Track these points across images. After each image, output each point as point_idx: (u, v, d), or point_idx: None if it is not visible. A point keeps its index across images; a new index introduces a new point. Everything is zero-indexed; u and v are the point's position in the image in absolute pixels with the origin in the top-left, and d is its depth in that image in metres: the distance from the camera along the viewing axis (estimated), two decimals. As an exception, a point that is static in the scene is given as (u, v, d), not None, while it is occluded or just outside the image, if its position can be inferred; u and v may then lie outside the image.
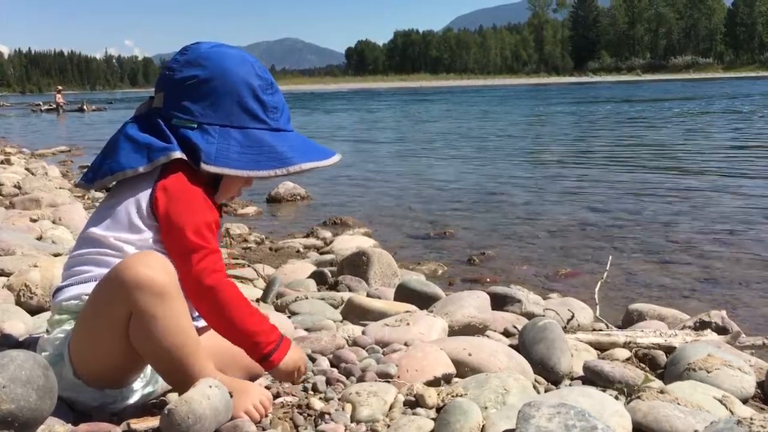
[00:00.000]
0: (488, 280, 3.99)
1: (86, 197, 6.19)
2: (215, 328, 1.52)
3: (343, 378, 1.75)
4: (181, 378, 1.41)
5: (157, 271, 1.37)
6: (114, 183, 1.57)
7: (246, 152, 1.56)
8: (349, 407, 1.56)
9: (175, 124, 1.54)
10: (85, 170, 1.63)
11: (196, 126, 1.54)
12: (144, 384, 1.53)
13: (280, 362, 1.51)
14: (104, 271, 1.44)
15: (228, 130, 1.56)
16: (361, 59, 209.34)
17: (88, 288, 1.45)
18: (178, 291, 1.40)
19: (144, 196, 1.50)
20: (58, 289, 1.52)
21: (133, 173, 1.50)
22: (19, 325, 2.02)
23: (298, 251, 4.55)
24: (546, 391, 1.87)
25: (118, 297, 1.36)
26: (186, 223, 1.46)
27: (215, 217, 1.53)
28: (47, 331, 1.53)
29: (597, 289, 3.17)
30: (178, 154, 1.50)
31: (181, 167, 1.51)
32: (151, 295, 1.35)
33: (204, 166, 1.52)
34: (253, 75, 1.60)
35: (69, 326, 1.47)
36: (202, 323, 1.59)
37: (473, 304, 2.62)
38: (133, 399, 1.51)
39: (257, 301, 2.67)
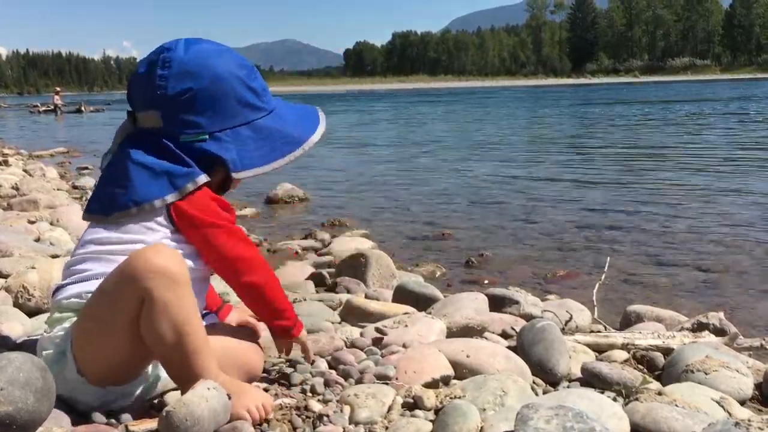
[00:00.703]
0: (486, 281, 3.98)
1: (84, 198, 6.18)
2: (243, 299, 1.64)
3: (341, 380, 1.75)
4: (185, 370, 1.41)
5: (169, 259, 1.38)
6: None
7: (261, 145, 1.59)
8: (347, 409, 1.56)
9: (184, 141, 1.53)
10: (90, 201, 1.60)
11: (207, 137, 1.54)
12: (145, 383, 1.53)
13: (300, 334, 1.72)
14: (105, 268, 1.45)
15: (237, 129, 1.58)
16: (359, 60, 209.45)
17: (89, 286, 1.45)
18: (188, 282, 1.41)
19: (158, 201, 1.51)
20: (58, 288, 1.52)
21: (162, 204, 1.50)
22: (17, 326, 2.03)
23: (296, 253, 4.54)
24: (544, 392, 1.87)
25: (129, 286, 1.36)
26: (201, 211, 1.52)
27: (226, 203, 1.58)
28: (45, 331, 1.53)
29: (595, 291, 3.17)
30: (204, 178, 1.52)
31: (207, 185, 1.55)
32: (164, 281, 1.35)
33: (236, 176, 1.56)
34: (237, 66, 1.61)
35: (69, 324, 1.47)
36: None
37: (471, 305, 2.63)
38: (133, 398, 1.51)
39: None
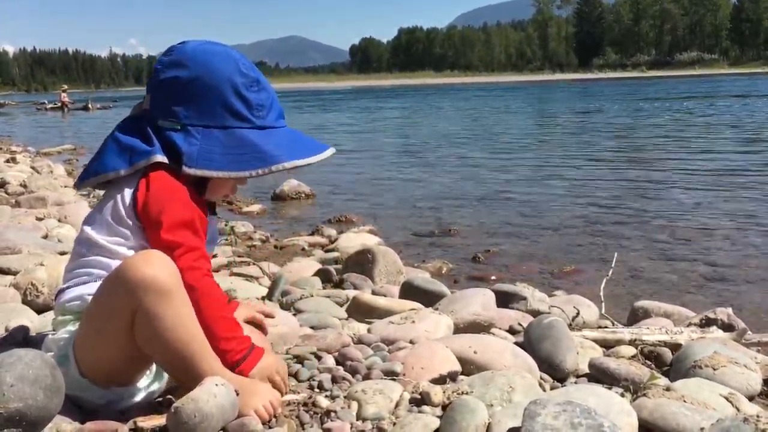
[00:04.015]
0: (493, 277, 3.98)
1: (91, 195, 6.21)
2: None
3: (348, 376, 1.75)
4: (188, 375, 1.42)
5: (160, 269, 1.38)
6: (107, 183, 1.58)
7: (229, 152, 1.54)
8: (354, 405, 1.56)
9: (160, 126, 1.54)
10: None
11: (179, 128, 1.54)
12: (150, 381, 1.53)
13: (250, 372, 1.51)
14: (103, 272, 1.46)
15: (211, 130, 1.55)
16: (365, 57, 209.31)
17: (90, 288, 1.47)
18: (181, 289, 1.40)
19: (128, 194, 1.51)
20: (61, 291, 1.53)
21: (115, 175, 1.52)
22: (26, 323, 2.03)
23: (303, 249, 4.55)
24: (552, 388, 1.87)
25: (122, 296, 1.37)
26: (162, 219, 1.47)
27: (198, 214, 1.52)
28: (51, 333, 1.55)
29: (602, 286, 3.16)
30: (158, 158, 1.50)
31: (164, 168, 1.51)
32: (155, 294, 1.36)
33: (185, 170, 1.51)
34: (236, 72, 1.58)
35: (72, 327, 1.48)
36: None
37: (478, 301, 2.62)
38: (139, 397, 1.52)
39: (262, 299, 2.67)
